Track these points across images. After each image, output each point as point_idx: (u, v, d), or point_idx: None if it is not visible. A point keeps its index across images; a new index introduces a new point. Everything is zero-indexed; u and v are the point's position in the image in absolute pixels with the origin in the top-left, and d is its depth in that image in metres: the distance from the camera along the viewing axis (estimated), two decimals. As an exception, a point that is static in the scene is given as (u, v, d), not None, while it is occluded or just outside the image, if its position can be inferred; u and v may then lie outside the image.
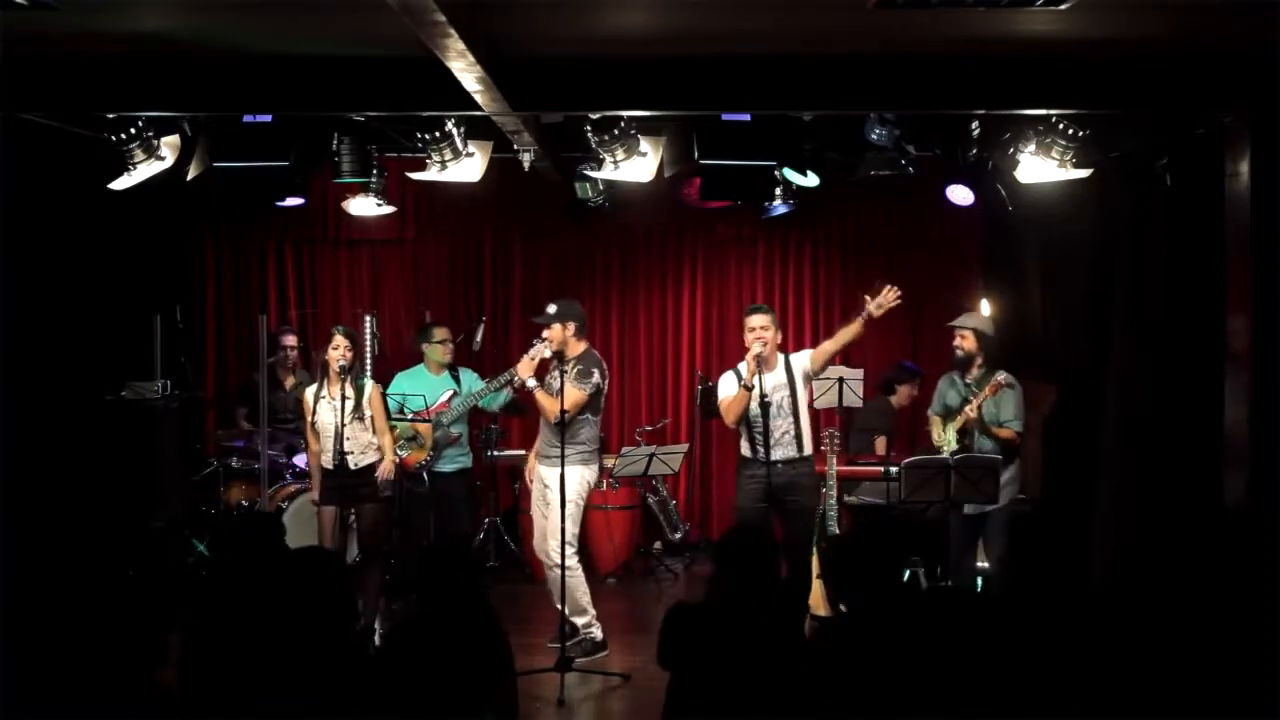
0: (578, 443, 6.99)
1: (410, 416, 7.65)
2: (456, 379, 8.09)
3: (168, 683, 3.12)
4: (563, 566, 6.83)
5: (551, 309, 7.04)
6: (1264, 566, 4.97)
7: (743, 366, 7.03)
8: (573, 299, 7.43)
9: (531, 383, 6.94)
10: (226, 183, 6.96)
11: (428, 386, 7.87)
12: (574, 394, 6.89)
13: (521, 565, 8.93)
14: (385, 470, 7.10)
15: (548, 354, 6.99)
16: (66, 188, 7.51)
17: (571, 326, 7.00)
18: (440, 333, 8.13)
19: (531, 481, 7.26)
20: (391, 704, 3.41)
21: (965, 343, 7.28)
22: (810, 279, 10.07)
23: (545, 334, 6.97)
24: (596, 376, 6.99)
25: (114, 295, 8.25)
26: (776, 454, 6.87)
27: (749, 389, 6.85)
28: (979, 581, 7.36)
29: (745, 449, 7.04)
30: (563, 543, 6.83)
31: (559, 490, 6.81)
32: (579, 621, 7.03)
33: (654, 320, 10.12)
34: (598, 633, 7.09)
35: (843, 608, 4.19)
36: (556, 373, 6.96)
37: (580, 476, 7.02)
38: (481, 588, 4.10)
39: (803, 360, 7.05)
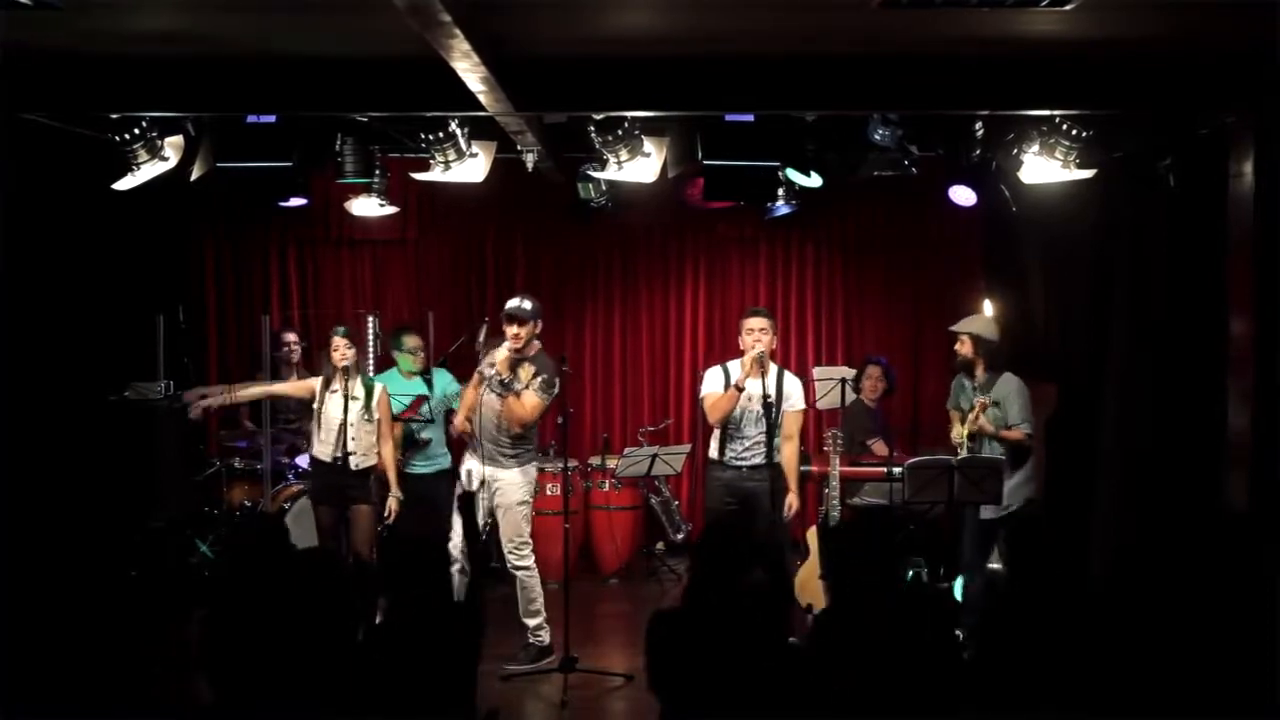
0: (527, 444, 6.91)
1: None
2: (429, 383, 8.09)
3: (173, 682, 3.13)
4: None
5: (528, 305, 6.80)
6: (1265, 567, 4.98)
7: (733, 365, 7.04)
8: (536, 296, 7.14)
9: (518, 385, 6.71)
10: (229, 183, 6.93)
11: (398, 390, 7.85)
12: (537, 401, 6.75)
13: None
14: (391, 509, 7.15)
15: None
16: (69, 188, 7.51)
17: (539, 326, 6.88)
18: (411, 341, 8.10)
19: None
20: (376, 702, 3.40)
21: (963, 348, 7.33)
22: (813, 279, 10.08)
23: (516, 330, 6.70)
24: (557, 387, 6.83)
25: (117, 296, 8.25)
26: (750, 458, 6.90)
27: (740, 389, 6.86)
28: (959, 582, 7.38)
29: (714, 451, 7.05)
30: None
31: (510, 493, 6.80)
32: (530, 624, 6.88)
33: (656, 321, 10.11)
34: (546, 637, 6.90)
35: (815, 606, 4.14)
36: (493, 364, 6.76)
37: (531, 477, 6.93)
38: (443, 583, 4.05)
39: (795, 394, 7.05)
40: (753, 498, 6.85)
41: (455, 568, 6.62)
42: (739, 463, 6.94)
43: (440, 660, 3.25)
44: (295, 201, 7.54)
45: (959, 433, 7.35)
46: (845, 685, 3.63)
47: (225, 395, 7.44)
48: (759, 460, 6.91)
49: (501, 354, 6.72)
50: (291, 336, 9.01)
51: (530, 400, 6.72)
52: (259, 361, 8.73)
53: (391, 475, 7.26)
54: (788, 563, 7.11)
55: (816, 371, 8.78)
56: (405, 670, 3.22)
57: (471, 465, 6.89)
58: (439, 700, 3.24)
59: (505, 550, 6.90)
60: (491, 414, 6.78)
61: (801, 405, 7.13)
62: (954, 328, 7.44)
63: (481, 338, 8.82)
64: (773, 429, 6.93)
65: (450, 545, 6.68)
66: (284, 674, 3.10)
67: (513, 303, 6.81)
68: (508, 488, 6.83)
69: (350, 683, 3.32)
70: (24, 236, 7.10)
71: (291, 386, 7.43)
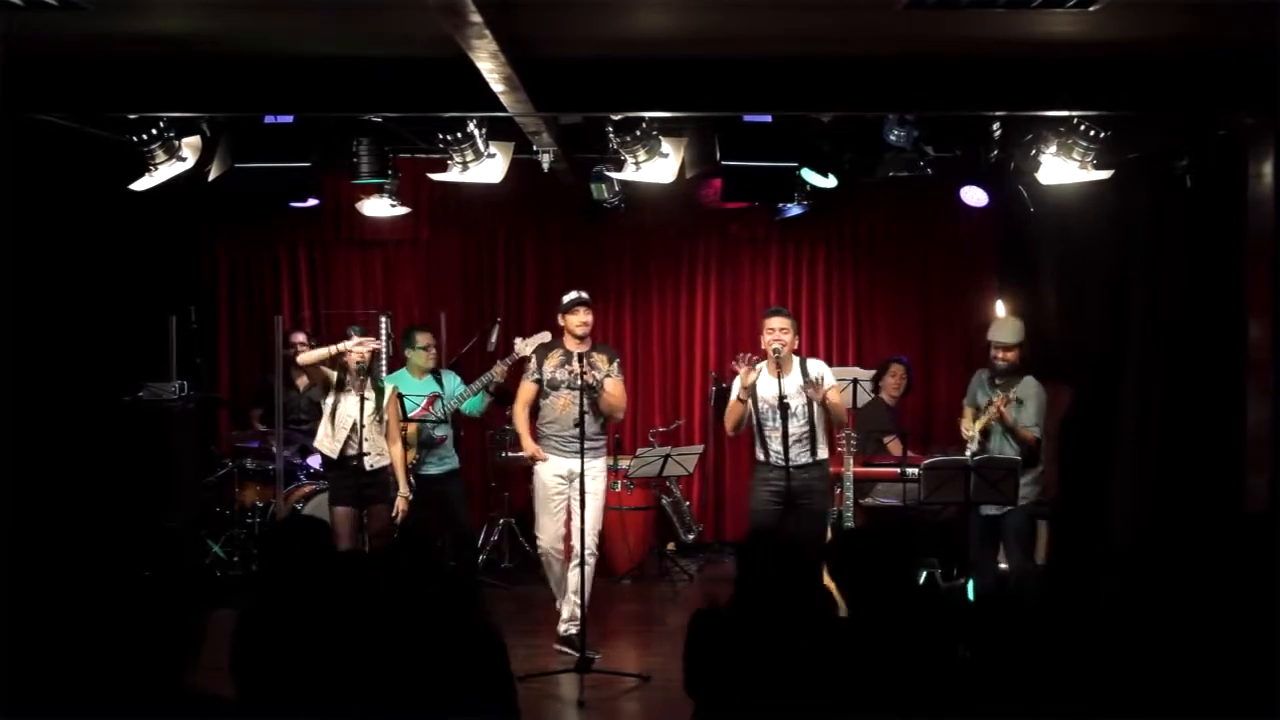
0: (605, 433, 7.26)
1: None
2: (439, 381, 8.09)
3: (181, 682, 3.11)
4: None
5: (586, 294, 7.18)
6: (1270, 567, 4.98)
7: (758, 367, 7.04)
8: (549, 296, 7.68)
9: (602, 376, 7.05)
10: (244, 183, 6.92)
11: (411, 389, 7.84)
12: (621, 382, 7.19)
13: (536, 566, 8.92)
14: (400, 509, 7.13)
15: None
16: (82, 190, 7.51)
17: None
18: (423, 338, 8.09)
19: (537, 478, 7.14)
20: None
21: (1012, 356, 7.10)
22: (824, 279, 10.08)
23: (587, 318, 7.05)
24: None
25: (129, 296, 8.25)
26: (792, 458, 6.87)
27: (743, 401, 6.90)
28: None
29: (759, 453, 7.04)
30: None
31: (601, 480, 7.09)
32: (579, 614, 6.99)
33: (667, 321, 10.11)
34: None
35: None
36: (573, 365, 6.96)
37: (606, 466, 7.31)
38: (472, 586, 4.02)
39: (825, 375, 7.04)
40: (796, 499, 6.83)
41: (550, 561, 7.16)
42: (782, 462, 6.90)
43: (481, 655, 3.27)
44: (310, 201, 7.54)
45: (969, 426, 7.29)
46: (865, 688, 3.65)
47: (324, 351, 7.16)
48: (804, 459, 6.87)
49: (575, 365, 6.95)
50: (302, 337, 9.01)
51: (619, 386, 7.12)
52: (270, 362, 8.72)
53: (400, 475, 7.23)
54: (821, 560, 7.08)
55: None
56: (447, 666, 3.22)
57: (558, 465, 7.05)
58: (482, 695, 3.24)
59: (587, 537, 6.93)
60: (577, 411, 6.91)
61: (833, 382, 7.09)
62: (1005, 340, 7.11)
63: (493, 338, 8.88)
64: (813, 426, 6.90)
65: (542, 542, 7.15)
66: (319, 671, 3.11)
67: (578, 294, 7.15)
68: (597, 475, 7.06)
69: (384, 679, 3.32)
70: (37, 237, 7.10)
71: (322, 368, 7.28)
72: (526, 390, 7.20)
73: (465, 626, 3.52)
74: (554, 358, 7.10)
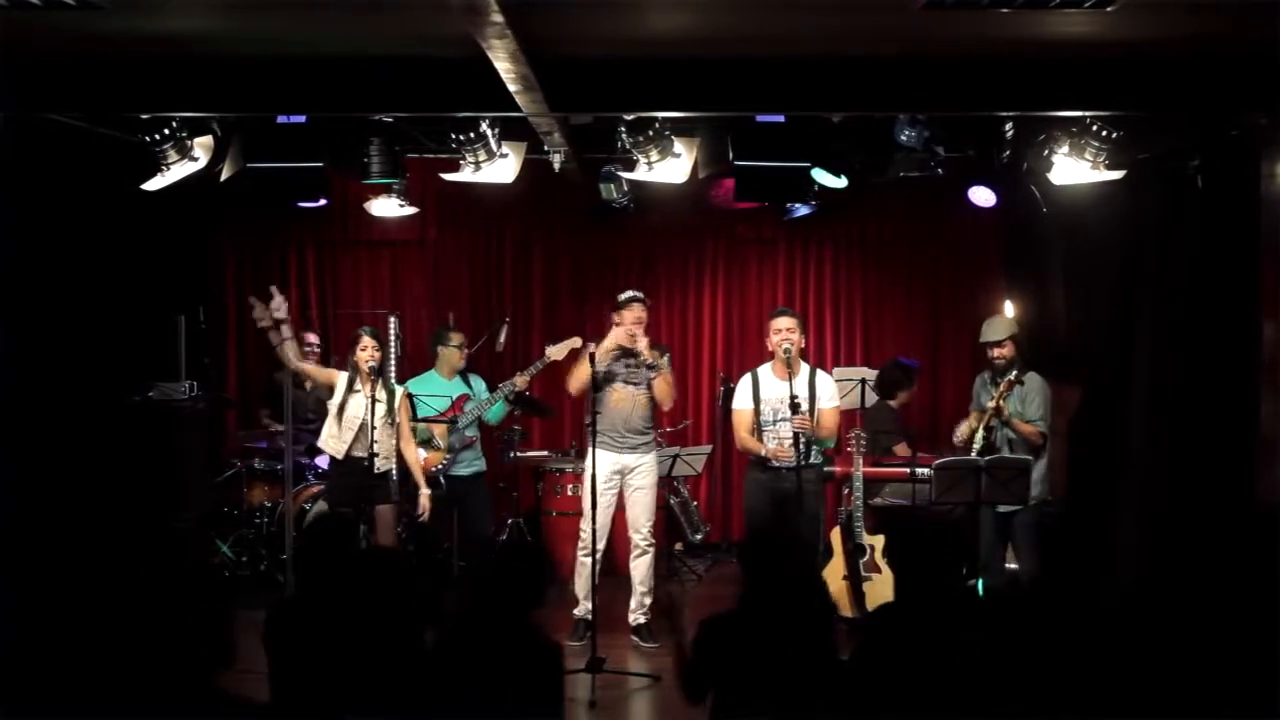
0: (653, 430, 7.36)
1: (425, 419, 7.66)
2: (468, 383, 8.09)
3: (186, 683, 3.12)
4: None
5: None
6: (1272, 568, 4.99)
7: (762, 370, 7.16)
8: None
9: (661, 366, 7.16)
10: (254, 183, 6.91)
11: (440, 390, 7.87)
12: (670, 374, 7.27)
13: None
14: (424, 507, 7.19)
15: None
16: (92, 190, 7.50)
17: None
18: (457, 337, 8.09)
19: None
20: (446, 702, 3.42)
21: (1005, 351, 7.23)
22: (831, 280, 10.09)
23: (642, 314, 7.08)
24: None
25: (138, 297, 8.25)
26: (787, 459, 6.91)
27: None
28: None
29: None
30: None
31: (649, 476, 7.20)
32: (648, 602, 7.29)
33: (675, 321, 10.11)
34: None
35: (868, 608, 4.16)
36: (643, 351, 7.06)
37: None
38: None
39: (828, 392, 7.10)
40: (789, 499, 6.86)
41: (588, 555, 7.10)
42: (776, 464, 6.94)
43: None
44: (318, 201, 7.52)
45: (969, 428, 7.29)
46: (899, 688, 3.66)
47: (276, 327, 7.08)
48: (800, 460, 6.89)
49: (643, 343, 7.06)
50: (311, 337, 9.00)
51: (669, 376, 7.23)
52: (277, 361, 8.71)
53: (418, 474, 7.24)
54: (815, 560, 7.11)
55: (836, 372, 8.80)
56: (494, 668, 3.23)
57: (610, 460, 7.12)
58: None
59: (640, 529, 7.24)
60: (630, 405, 7.11)
61: (835, 402, 7.14)
62: (993, 338, 7.29)
63: (501, 338, 8.87)
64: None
65: (586, 534, 7.07)
66: (353, 671, 3.11)
67: (633, 292, 7.22)
68: (647, 471, 7.22)
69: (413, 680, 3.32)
70: (47, 237, 7.09)
71: (318, 371, 7.40)
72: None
73: (530, 641, 3.56)
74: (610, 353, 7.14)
